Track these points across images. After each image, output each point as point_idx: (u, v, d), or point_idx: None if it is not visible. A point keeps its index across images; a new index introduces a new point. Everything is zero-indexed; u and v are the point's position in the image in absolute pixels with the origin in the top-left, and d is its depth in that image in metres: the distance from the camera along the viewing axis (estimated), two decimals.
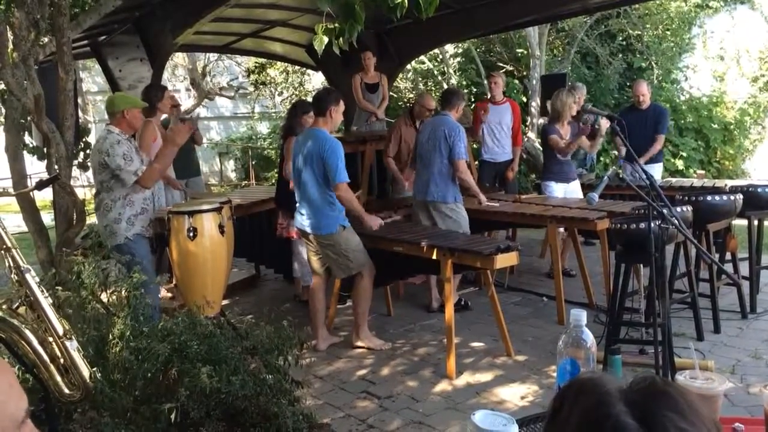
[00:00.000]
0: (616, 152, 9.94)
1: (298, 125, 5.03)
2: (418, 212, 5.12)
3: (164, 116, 6.28)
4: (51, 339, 2.32)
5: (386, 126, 7.12)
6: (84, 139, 5.63)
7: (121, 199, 4.09)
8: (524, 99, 11.33)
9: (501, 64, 11.82)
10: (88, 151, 5.75)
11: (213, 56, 14.26)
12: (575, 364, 1.38)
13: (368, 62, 7.03)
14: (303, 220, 4.39)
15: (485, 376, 4.06)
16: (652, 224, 3.50)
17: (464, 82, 12.01)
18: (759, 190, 4.92)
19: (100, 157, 4.04)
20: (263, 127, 16.05)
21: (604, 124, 5.41)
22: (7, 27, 4.12)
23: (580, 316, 1.41)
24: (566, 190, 5.73)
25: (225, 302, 4.90)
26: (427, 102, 5.90)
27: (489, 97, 6.70)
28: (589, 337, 1.40)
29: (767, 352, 4.17)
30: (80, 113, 8.04)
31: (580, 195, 5.68)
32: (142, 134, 5.02)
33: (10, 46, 4.15)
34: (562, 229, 5.44)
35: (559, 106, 5.62)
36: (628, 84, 11.54)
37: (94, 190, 4.67)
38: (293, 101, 7.72)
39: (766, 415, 1.43)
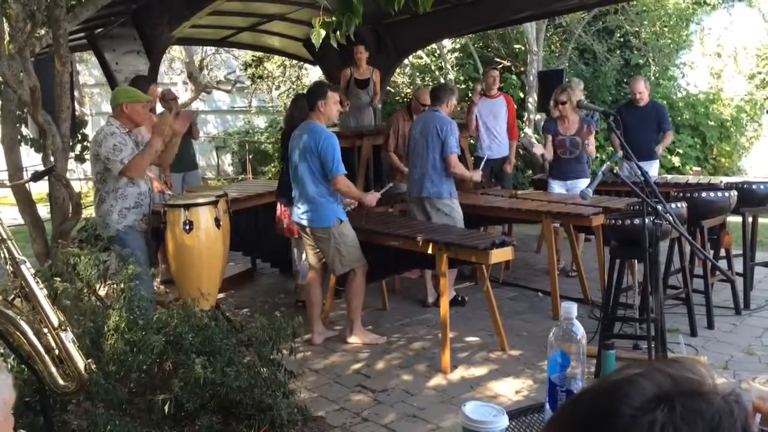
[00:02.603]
0: (612, 149, 9.96)
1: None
2: (414, 209, 5.13)
3: (162, 110, 6.28)
4: (46, 330, 2.32)
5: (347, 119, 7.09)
6: (81, 132, 5.62)
7: (113, 192, 4.07)
8: (521, 95, 11.33)
9: (498, 60, 11.81)
10: (85, 143, 5.76)
11: (210, 50, 14.22)
12: (565, 356, 1.39)
13: (360, 56, 6.99)
14: (300, 213, 4.40)
15: (480, 371, 4.07)
16: (647, 220, 3.51)
17: (462, 77, 12.00)
18: (753, 186, 4.94)
19: (94, 148, 4.09)
20: (260, 121, 16.02)
21: (537, 150, 5.81)
22: (4, 18, 4.12)
23: (571, 309, 1.42)
24: (567, 188, 5.71)
25: (220, 295, 4.91)
26: (422, 97, 5.90)
27: (483, 92, 6.69)
28: (579, 330, 1.41)
29: (760, 348, 4.20)
30: (77, 106, 8.02)
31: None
32: None
33: (6, 37, 4.15)
34: (558, 224, 5.47)
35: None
36: (625, 80, 11.54)
37: (90, 183, 4.69)
38: (296, 94, 7.66)
39: (753, 408, 1.45)
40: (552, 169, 5.86)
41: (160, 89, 6.22)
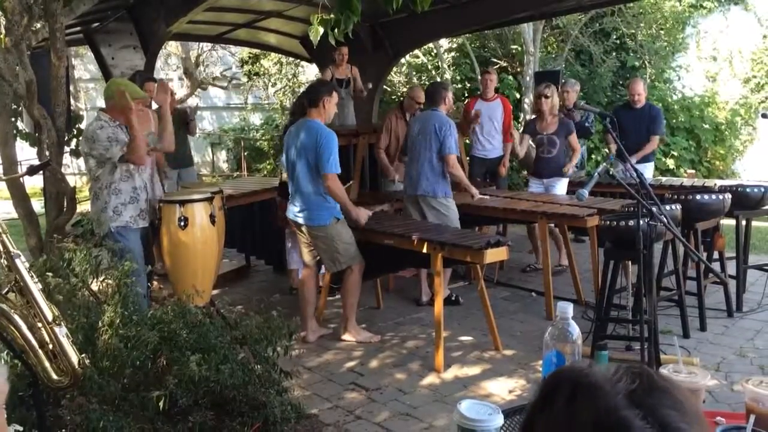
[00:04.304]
0: (607, 150, 10.00)
1: None
2: (409, 207, 5.13)
3: (156, 106, 6.25)
4: (40, 325, 2.32)
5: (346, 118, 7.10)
6: (76, 126, 5.60)
7: (106, 188, 3.97)
8: (518, 95, 11.35)
9: (495, 60, 11.83)
10: (81, 138, 5.74)
11: (206, 46, 14.18)
12: (561, 356, 1.40)
13: (342, 57, 7.00)
14: (296, 211, 4.39)
15: (473, 370, 4.08)
16: (641, 222, 3.52)
17: (458, 77, 12.01)
18: (747, 190, 4.97)
19: (85, 145, 4.00)
20: (256, 118, 16.00)
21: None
22: (0, 12, 4.10)
23: (567, 308, 1.43)
24: (545, 186, 5.86)
25: (215, 292, 4.90)
26: (416, 95, 5.91)
27: (480, 93, 6.71)
28: (575, 330, 1.42)
29: (752, 350, 4.22)
30: (72, 100, 7.98)
31: (556, 191, 5.75)
32: None
33: (3, 30, 4.12)
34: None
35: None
36: (621, 82, 11.57)
37: (85, 178, 4.67)
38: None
39: (747, 410, 1.46)
40: (531, 167, 6.06)
41: (155, 85, 6.18)
